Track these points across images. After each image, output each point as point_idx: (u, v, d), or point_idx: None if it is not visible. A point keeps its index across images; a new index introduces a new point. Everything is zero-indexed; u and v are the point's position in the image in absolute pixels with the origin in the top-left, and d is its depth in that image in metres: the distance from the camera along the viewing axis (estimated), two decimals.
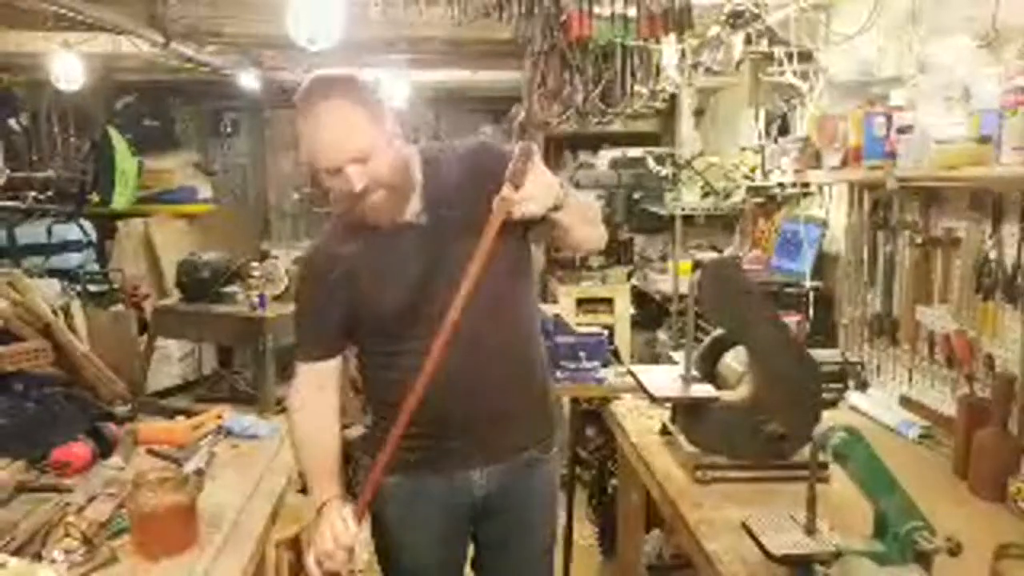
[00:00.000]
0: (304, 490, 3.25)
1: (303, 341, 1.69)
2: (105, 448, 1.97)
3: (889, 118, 2.22)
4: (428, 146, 1.73)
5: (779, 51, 3.07)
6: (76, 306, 4.14)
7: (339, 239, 1.65)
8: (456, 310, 1.48)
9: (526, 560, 1.82)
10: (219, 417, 2.24)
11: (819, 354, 1.99)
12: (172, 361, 4.94)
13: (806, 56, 2.97)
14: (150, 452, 2.05)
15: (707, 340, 2.10)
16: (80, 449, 1.91)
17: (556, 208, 1.49)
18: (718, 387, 1.98)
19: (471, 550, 1.84)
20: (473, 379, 1.62)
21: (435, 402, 1.56)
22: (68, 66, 4.17)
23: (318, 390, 1.67)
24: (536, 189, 1.45)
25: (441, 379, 1.53)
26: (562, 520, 2.69)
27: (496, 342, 1.64)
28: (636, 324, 4.57)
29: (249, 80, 4.86)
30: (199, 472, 1.87)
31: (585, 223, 1.63)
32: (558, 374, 2.84)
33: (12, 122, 5.30)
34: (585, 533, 3.56)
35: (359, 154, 1.47)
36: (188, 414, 2.43)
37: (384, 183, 1.50)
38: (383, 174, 1.50)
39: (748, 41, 3.38)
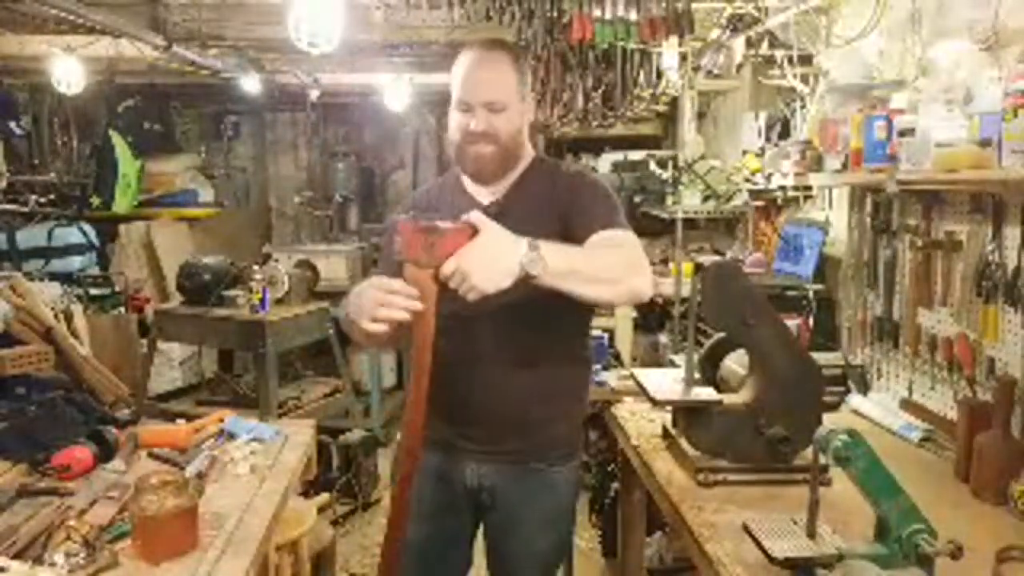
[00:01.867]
0: (305, 493, 3.26)
1: (379, 261, 1.89)
2: (106, 452, 1.97)
3: (890, 121, 2.22)
4: (543, 156, 1.88)
5: (780, 54, 3.07)
6: (77, 310, 4.16)
7: (431, 195, 1.86)
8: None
9: (519, 566, 1.84)
10: (220, 420, 2.24)
11: (821, 357, 1.99)
12: (173, 364, 4.95)
13: (807, 59, 2.97)
14: (151, 456, 2.05)
15: (708, 343, 2.10)
16: (81, 452, 1.91)
17: (529, 277, 1.37)
18: (720, 390, 1.98)
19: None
20: (485, 380, 1.70)
21: (447, 387, 1.61)
22: (70, 69, 4.17)
23: None
24: (472, 265, 1.33)
25: (457, 369, 1.63)
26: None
27: (520, 355, 1.70)
28: (637, 327, 4.56)
29: (250, 83, 4.86)
30: (200, 475, 1.87)
31: (597, 283, 1.50)
32: None
33: (13, 125, 5.30)
34: (587, 536, 3.56)
35: (495, 101, 1.63)
36: (189, 417, 2.43)
37: (498, 140, 1.66)
38: (501, 131, 1.65)
39: (749, 44, 3.39)
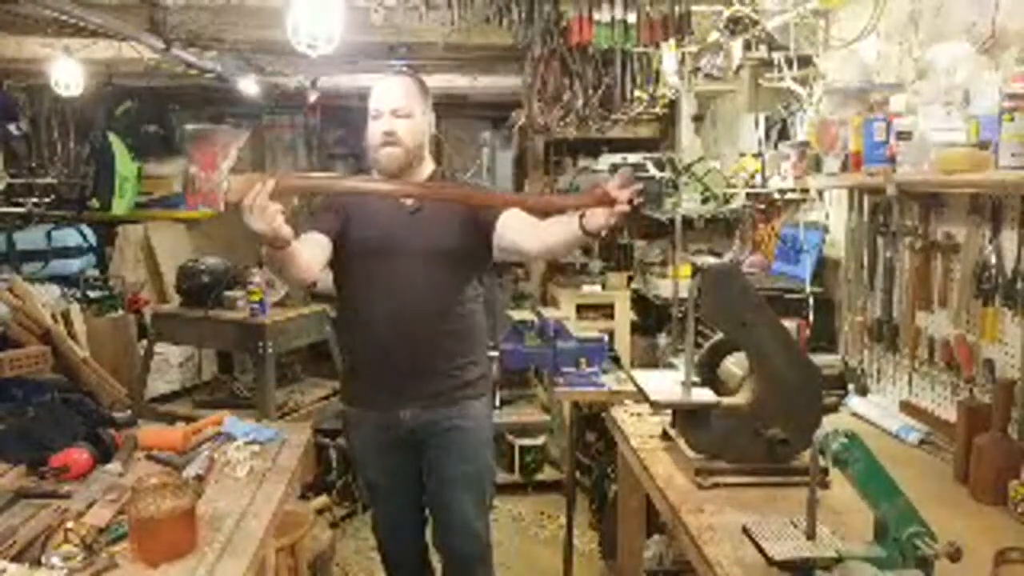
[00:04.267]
0: (303, 495, 3.25)
1: (309, 218, 2.16)
2: (104, 453, 1.97)
3: (889, 123, 2.22)
4: (442, 170, 2.32)
5: (779, 57, 3.07)
6: (76, 312, 4.16)
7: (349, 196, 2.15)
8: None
9: (457, 483, 2.22)
10: (218, 422, 2.24)
11: (820, 359, 1.99)
12: (171, 366, 4.93)
13: (805, 61, 2.97)
14: (149, 457, 2.05)
15: (707, 345, 2.10)
16: (79, 454, 1.91)
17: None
18: (718, 392, 1.98)
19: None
20: (403, 337, 2.11)
21: (373, 350, 2.15)
22: (68, 72, 4.16)
23: (306, 238, 2.04)
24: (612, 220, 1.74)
25: (380, 332, 2.12)
26: (562, 518, 2.68)
27: (430, 315, 2.12)
28: (636, 329, 4.56)
29: (249, 86, 4.86)
30: (199, 477, 1.87)
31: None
32: (558, 379, 2.84)
33: (12, 127, 5.30)
34: (586, 539, 3.56)
35: (400, 109, 2.10)
36: (188, 419, 2.43)
37: (403, 143, 2.10)
38: (405, 135, 2.10)
39: (747, 47, 3.39)
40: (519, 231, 2.06)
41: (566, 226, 1.87)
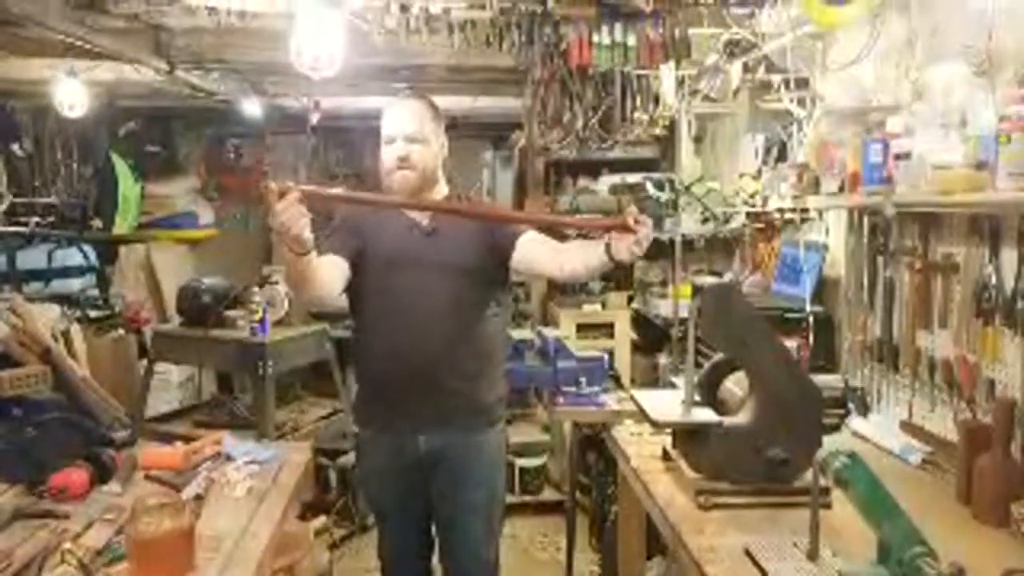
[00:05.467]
0: (303, 516, 3.24)
1: (327, 241, 2.11)
2: (103, 473, 1.96)
3: (886, 144, 2.23)
4: (457, 193, 2.30)
5: (777, 78, 3.09)
6: (76, 331, 4.16)
7: (365, 215, 2.18)
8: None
9: (468, 508, 2.20)
10: (218, 442, 2.23)
11: (820, 379, 1.99)
12: (171, 386, 4.92)
13: (803, 83, 2.99)
14: (148, 477, 2.05)
15: (708, 365, 2.10)
16: (78, 475, 1.90)
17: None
18: (719, 412, 1.97)
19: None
20: (420, 359, 2.09)
21: (390, 372, 2.12)
22: (72, 93, 4.20)
23: (325, 259, 2.01)
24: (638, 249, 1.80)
25: (397, 353, 2.09)
26: (562, 540, 2.66)
27: (449, 337, 2.10)
28: (637, 348, 4.55)
29: (251, 106, 4.90)
30: (198, 497, 1.86)
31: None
32: (559, 398, 2.83)
33: (16, 147, 5.33)
34: (586, 560, 3.53)
35: (414, 134, 2.09)
36: (187, 439, 2.42)
37: (417, 168, 2.09)
38: (419, 160, 2.09)
39: (746, 69, 3.41)
40: (539, 253, 2.10)
41: (591, 252, 1.92)
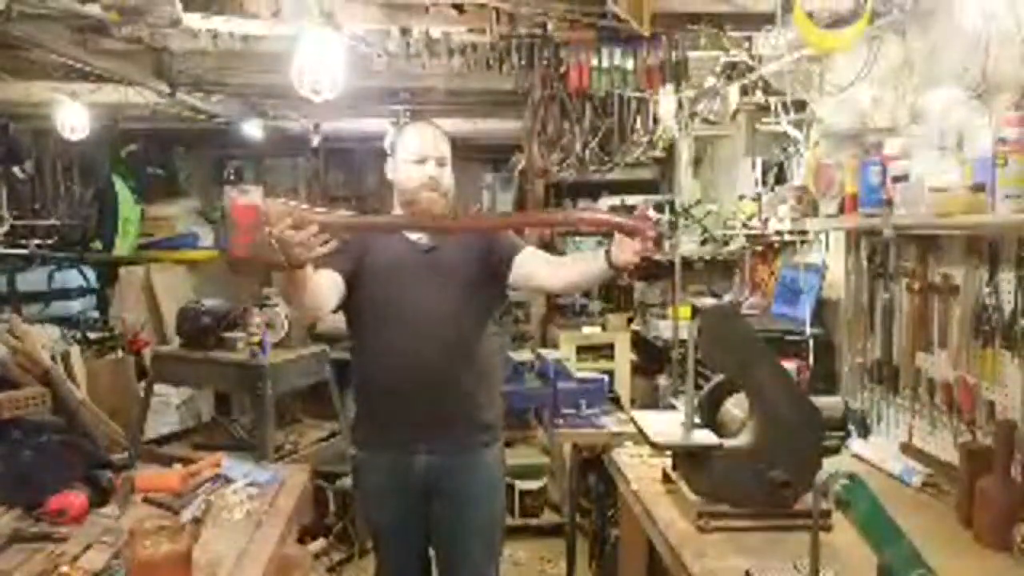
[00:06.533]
0: (301, 539, 3.21)
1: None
2: (101, 496, 1.95)
3: (884, 167, 2.25)
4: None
5: (775, 101, 3.12)
6: (75, 353, 4.15)
7: (362, 235, 2.15)
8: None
9: (468, 530, 2.19)
10: (217, 464, 2.22)
11: (820, 401, 1.98)
12: (170, 408, 4.90)
13: (801, 106, 3.02)
14: (146, 500, 2.03)
15: (708, 386, 2.10)
16: (76, 497, 1.89)
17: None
18: (720, 434, 1.97)
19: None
20: (419, 378, 2.08)
21: (389, 391, 2.12)
22: (74, 115, 4.22)
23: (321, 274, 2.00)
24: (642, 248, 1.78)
25: (396, 372, 2.09)
26: (562, 563, 2.64)
27: (448, 354, 2.10)
28: (637, 370, 4.55)
29: (252, 129, 4.93)
30: (196, 520, 1.85)
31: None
32: (559, 420, 2.83)
33: (17, 170, 5.34)
34: None
35: (443, 157, 2.14)
36: (186, 461, 2.41)
37: (441, 190, 2.13)
38: (444, 182, 2.14)
39: (744, 92, 3.44)
40: (536, 267, 2.13)
41: (590, 261, 1.95)
